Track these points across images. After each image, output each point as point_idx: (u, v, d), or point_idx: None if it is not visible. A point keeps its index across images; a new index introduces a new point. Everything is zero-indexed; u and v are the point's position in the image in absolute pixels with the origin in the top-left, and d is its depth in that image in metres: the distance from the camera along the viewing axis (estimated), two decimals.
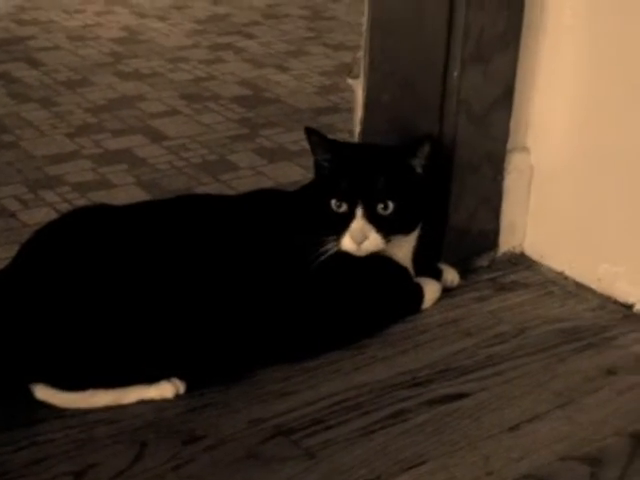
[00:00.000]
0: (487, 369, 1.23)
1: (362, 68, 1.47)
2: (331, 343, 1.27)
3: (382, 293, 1.32)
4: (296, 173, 1.82)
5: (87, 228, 1.26)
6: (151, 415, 1.13)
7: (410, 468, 1.04)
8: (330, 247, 1.23)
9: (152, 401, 1.15)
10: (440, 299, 1.39)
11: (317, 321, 1.28)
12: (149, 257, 1.21)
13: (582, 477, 1.04)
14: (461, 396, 1.17)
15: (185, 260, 1.21)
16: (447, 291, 1.41)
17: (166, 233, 1.25)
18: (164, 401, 1.15)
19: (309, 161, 1.80)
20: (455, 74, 1.32)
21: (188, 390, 1.17)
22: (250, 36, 2.73)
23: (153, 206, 1.40)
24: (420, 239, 1.35)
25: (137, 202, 1.44)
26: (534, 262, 1.48)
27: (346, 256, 1.24)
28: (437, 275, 1.43)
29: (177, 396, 1.17)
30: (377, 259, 1.28)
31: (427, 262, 1.42)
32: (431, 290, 1.39)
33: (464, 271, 1.45)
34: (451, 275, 1.43)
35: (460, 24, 1.30)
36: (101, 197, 1.67)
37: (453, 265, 1.44)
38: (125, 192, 1.73)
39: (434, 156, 1.28)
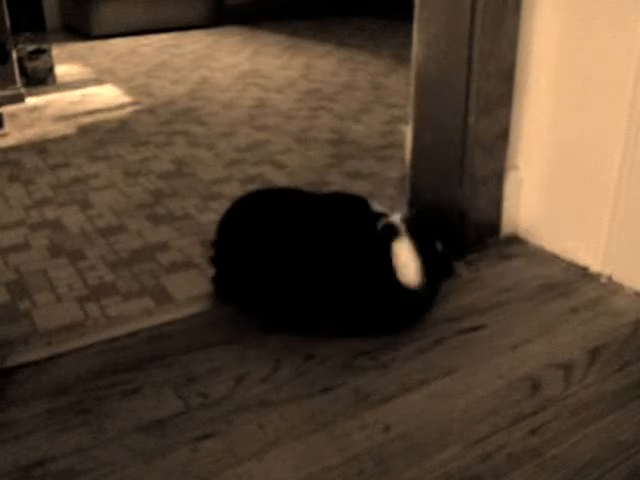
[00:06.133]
0: (496, 309, 1.23)
1: (410, 118, 1.48)
2: None
3: None
4: (368, 188, 1.82)
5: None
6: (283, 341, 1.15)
7: (448, 373, 1.06)
8: None
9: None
10: (465, 267, 1.36)
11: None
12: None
13: (559, 377, 1.04)
14: (480, 327, 1.18)
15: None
16: (469, 261, 1.39)
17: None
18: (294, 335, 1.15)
19: (378, 180, 1.83)
20: (472, 120, 1.32)
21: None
22: (335, 101, 2.74)
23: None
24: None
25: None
26: (524, 241, 1.46)
27: None
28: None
29: (299, 333, 1.15)
30: None
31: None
32: None
33: (479, 248, 1.43)
34: None
35: (474, 89, 1.30)
36: None
37: (473, 244, 1.41)
38: None
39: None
